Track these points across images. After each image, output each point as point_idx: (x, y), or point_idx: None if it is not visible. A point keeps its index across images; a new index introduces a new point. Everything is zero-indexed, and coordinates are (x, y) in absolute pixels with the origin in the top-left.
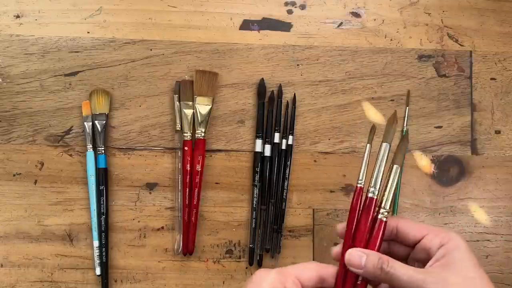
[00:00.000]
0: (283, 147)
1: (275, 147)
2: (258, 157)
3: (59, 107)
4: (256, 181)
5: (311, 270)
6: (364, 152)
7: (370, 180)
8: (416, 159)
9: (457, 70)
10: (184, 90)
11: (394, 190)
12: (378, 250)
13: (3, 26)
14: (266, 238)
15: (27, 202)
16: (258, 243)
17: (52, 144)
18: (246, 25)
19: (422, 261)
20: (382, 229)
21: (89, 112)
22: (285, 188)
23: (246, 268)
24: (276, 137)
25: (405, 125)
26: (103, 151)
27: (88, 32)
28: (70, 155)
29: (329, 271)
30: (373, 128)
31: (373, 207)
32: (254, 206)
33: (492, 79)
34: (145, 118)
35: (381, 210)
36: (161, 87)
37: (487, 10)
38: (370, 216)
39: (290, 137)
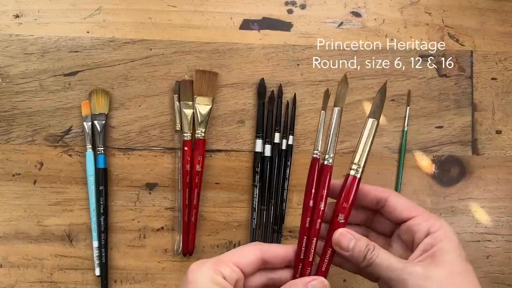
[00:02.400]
0: (283, 147)
1: (275, 147)
2: (258, 157)
3: (59, 107)
4: (256, 181)
5: (250, 253)
6: (319, 119)
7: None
8: (416, 159)
9: (457, 70)
10: (184, 90)
11: (370, 146)
12: (351, 207)
13: (2, 26)
14: (267, 239)
15: (27, 202)
16: None
17: (52, 144)
18: (246, 24)
19: (405, 242)
20: (354, 184)
21: (89, 112)
22: (285, 188)
23: None
24: (276, 137)
25: (405, 125)
26: (102, 151)
27: (88, 32)
28: (70, 155)
29: (271, 251)
30: (327, 93)
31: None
32: (254, 206)
33: (493, 79)
34: (145, 118)
35: (352, 166)
36: (161, 87)
37: (488, 9)
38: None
39: (291, 137)
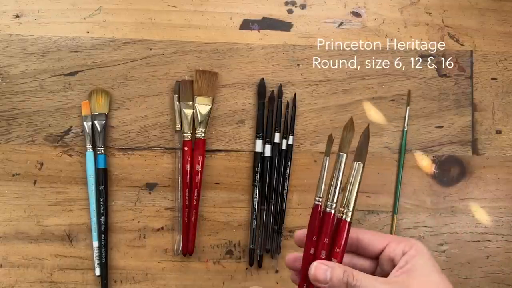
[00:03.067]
0: (283, 147)
1: (275, 147)
2: (258, 157)
3: (59, 107)
4: (256, 181)
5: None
6: (323, 165)
7: (328, 193)
8: (416, 159)
9: (457, 70)
10: (184, 90)
11: (357, 189)
12: (343, 251)
13: (2, 26)
14: (267, 239)
15: (27, 202)
16: (258, 244)
17: (52, 144)
18: (246, 24)
19: (389, 272)
20: (345, 229)
21: (89, 112)
22: (285, 188)
23: (246, 268)
24: (276, 137)
25: (405, 125)
26: (102, 151)
27: (88, 32)
28: (70, 155)
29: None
30: (330, 138)
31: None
32: (254, 206)
33: (493, 79)
34: (145, 118)
35: (343, 210)
36: (161, 87)
37: (488, 9)
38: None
39: (290, 137)
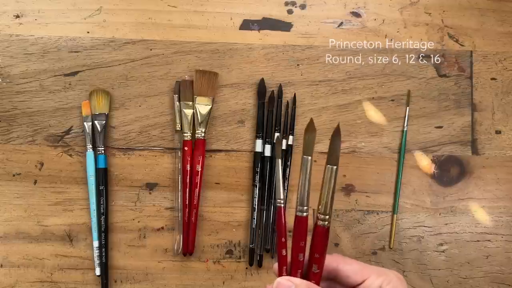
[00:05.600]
0: (283, 147)
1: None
2: (258, 157)
3: (59, 107)
4: (256, 181)
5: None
6: (278, 168)
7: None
8: (416, 159)
9: (457, 70)
10: (184, 90)
11: (332, 193)
12: (323, 256)
13: (3, 26)
14: (266, 239)
15: (27, 202)
16: (258, 244)
17: (52, 144)
18: (246, 25)
19: None
20: (323, 235)
21: (89, 112)
22: (285, 188)
23: (246, 268)
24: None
25: (405, 125)
26: (103, 151)
27: (88, 32)
28: (70, 155)
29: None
30: (278, 141)
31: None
32: (254, 206)
33: (492, 79)
34: (145, 118)
35: (320, 216)
36: (161, 87)
37: (488, 10)
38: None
39: (290, 137)
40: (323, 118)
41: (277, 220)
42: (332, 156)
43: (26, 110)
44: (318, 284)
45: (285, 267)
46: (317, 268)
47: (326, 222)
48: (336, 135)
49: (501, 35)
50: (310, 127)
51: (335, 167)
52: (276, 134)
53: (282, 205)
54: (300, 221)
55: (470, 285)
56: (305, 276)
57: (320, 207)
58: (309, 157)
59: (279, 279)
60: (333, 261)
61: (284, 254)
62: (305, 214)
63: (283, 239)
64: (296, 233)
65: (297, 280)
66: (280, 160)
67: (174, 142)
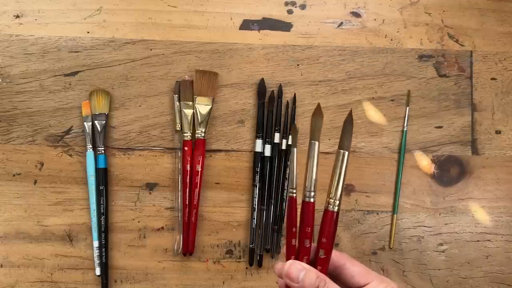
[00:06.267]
0: (283, 147)
1: (275, 147)
2: (258, 157)
3: (59, 107)
4: (256, 181)
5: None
6: (291, 157)
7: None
8: (416, 159)
9: (457, 70)
10: (184, 90)
11: (343, 179)
12: (331, 242)
13: (3, 26)
14: (266, 238)
15: (27, 202)
16: (258, 244)
17: (52, 144)
18: (246, 25)
19: None
20: (333, 220)
21: (89, 112)
22: (285, 188)
23: (246, 268)
24: (276, 137)
25: (405, 125)
26: (103, 151)
27: (88, 32)
28: (70, 155)
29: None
30: (294, 129)
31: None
32: (254, 206)
33: (492, 79)
34: (145, 118)
35: (329, 200)
36: (161, 87)
37: (488, 10)
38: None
39: (290, 137)
40: (323, 118)
41: (289, 210)
42: (344, 141)
43: (26, 110)
44: (325, 271)
45: (293, 256)
46: (323, 253)
47: (335, 207)
48: (348, 120)
49: (501, 35)
50: (317, 112)
51: (346, 152)
52: (294, 124)
53: (295, 195)
54: (307, 207)
55: (470, 285)
56: (312, 263)
57: (330, 191)
58: (316, 142)
59: (291, 261)
60: (341, 258)
61: (294, 244)
62: (312, 199)
63: (294, 229)
64: (303, 218)
65: (308, 267)
66: (295, 149)
67: (174, 142)
